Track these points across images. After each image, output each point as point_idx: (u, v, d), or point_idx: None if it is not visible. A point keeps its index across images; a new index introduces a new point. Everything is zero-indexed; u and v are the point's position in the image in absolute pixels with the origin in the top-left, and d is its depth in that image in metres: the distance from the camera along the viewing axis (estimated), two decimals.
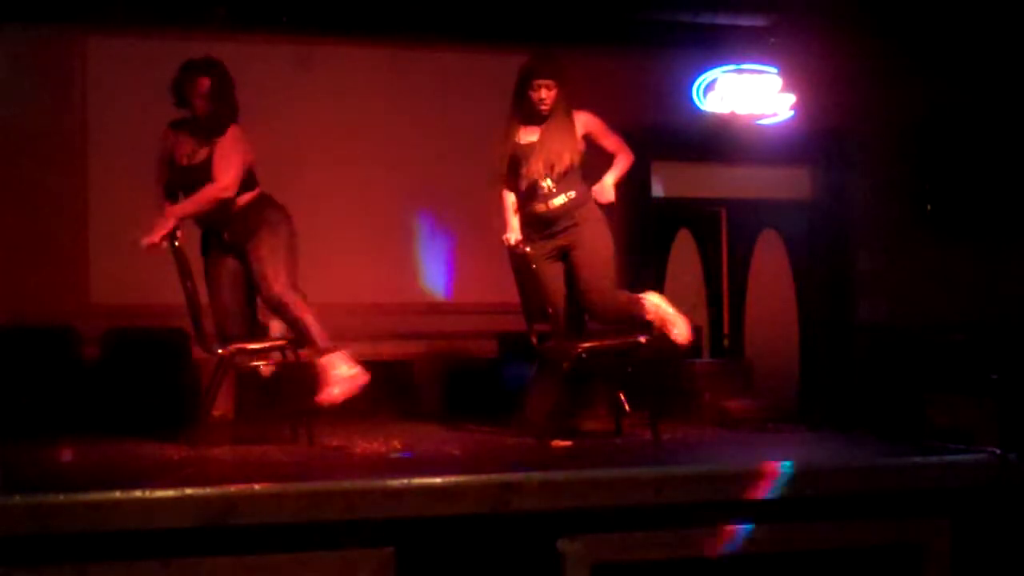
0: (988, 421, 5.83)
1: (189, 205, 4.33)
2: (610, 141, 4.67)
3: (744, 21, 6.95)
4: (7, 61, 6.24)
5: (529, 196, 4.57)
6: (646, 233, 7.22)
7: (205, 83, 4.37)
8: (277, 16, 6.36)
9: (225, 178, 4.31)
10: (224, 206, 4.35)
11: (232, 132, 4.38)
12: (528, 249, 4.53)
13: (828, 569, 3.58)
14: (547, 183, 4.50)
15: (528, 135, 4.60)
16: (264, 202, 4.46)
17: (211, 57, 4.47)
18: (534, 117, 4.58)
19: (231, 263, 4.43)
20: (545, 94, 4.54)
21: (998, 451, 3.78)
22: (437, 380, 6.46)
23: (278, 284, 4.29)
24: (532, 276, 4.53)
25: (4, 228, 6.12)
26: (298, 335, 4.35)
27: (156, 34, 6.31)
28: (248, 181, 4.43)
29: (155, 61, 6.33)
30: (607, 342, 4.49)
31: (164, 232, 4.25)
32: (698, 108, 7.04)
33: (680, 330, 4.51)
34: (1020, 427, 5.65)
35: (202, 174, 4.34)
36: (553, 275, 4.58)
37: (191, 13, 6.23)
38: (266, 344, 4.40)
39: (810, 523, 3.52)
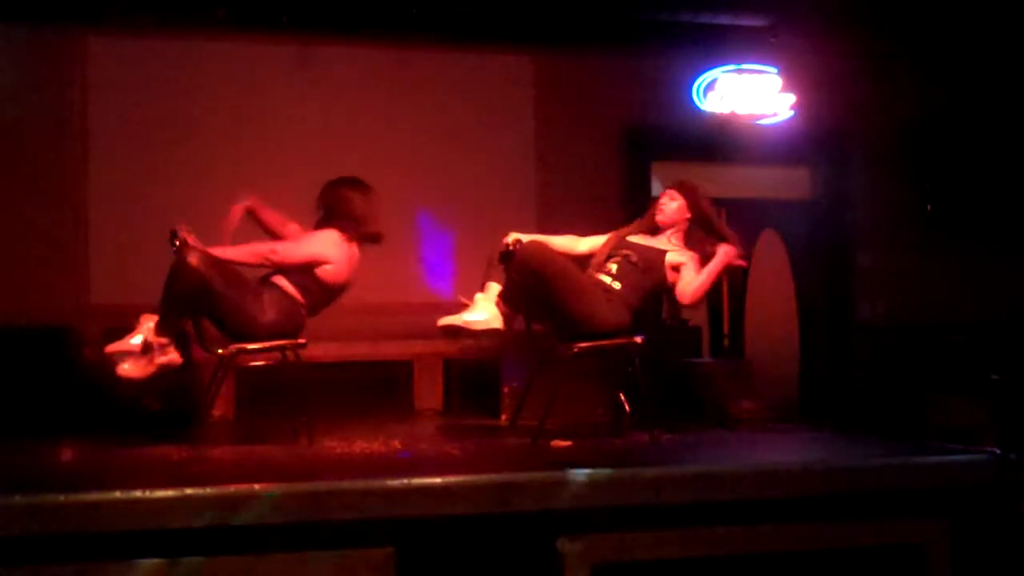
0: (988, 421, 5.83)
1: (237, 252, 4.33)
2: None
3: (744, 21, 6.95)
4: (7, 61, 6.25)
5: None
6: None
7: None
8: (277, 16, 6.36)
9: (281, 244, 4.42)
10: (266, 265, 4.39)
11: (328, 232, 4.48)
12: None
13: (828, 569, 3.58)
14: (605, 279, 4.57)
15: (633, 236, 4.70)
16: (286, 306, 4.39)
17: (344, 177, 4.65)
18: (649, 226, 4.73)
19: None
20: (665, 202, 4.71)
21: (998, 451, 3.79)
22: (437, 380, 6.45)
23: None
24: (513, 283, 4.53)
25: (4, 228, 6.13)
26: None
27: (156, 34, 6.32)
28: (296, 279, 4.40)
29: (155, 61, 6.39)
30: (603, 342, 4.49)
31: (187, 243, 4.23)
32: (698, 108, 7.04)
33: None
34: (1020, 427, 5.66)
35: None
36: None
37: (191, 13, 6.23)
38: (266, 344, 4.40)
39: (810, 523, 3.52)
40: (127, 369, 4.14)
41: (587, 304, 4.37)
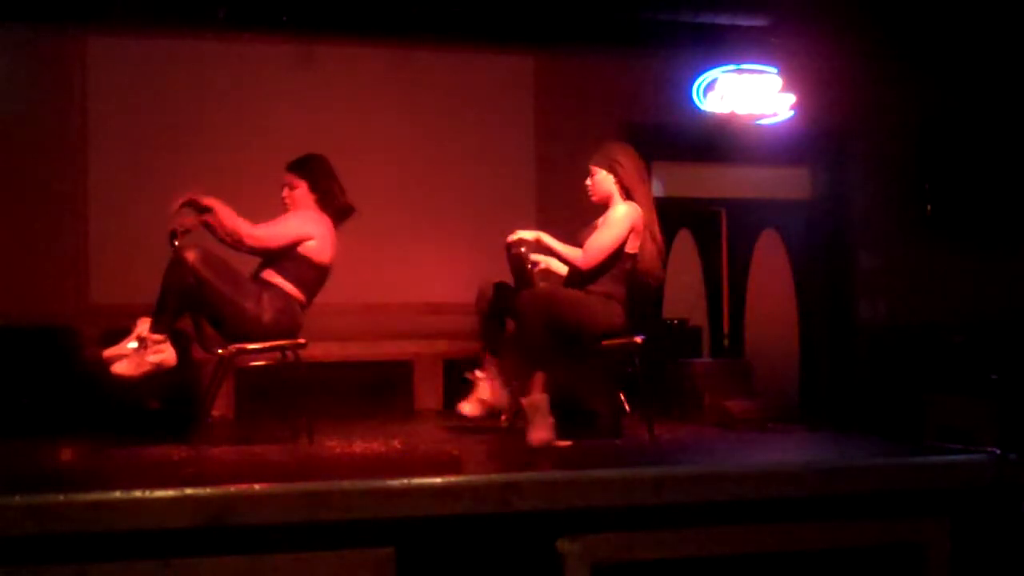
0: (988, 421, 5.83)
1: (224, 210, 4.28)
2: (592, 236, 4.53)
3: (744, 21, 6.95)
4: (7, 61, 6.25)
5: None
6: None
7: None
8: (277, 16, 6.36)
9: (259, 228, 4.36)
10: (236, 246, 4.34)
11: (302, 211, 4.53)
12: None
13: (828, 569, 3.58)
14: None
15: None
16: (283, 304, 4.39)
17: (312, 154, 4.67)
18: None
19: None
20: (588, 182, 4.62)
21: (998, 451, 3.79)
22: (437, 380, 6.46)
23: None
24: (527, 277, 4.54)
25: (4, 228, 6.13)
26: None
27: (156, 34, 6.32)
28: (290, 269, 4.42)
29: (155, 61, 6.39)
30: (603, 342, 4.49)
31: (181, 201, 4.22)
32: (698, 108, 7.04)
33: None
34: (1020, 427, 5.66)
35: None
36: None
37: (191, 13, 6.23)
38: (266, 344, 4.40)
39: (810, 523, 3.52)
40: (121, 367, 4.14)
41: (588, 318, 4.41)
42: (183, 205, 4.21)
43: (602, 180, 4.58)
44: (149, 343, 4.16)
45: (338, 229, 4.64)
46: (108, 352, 4.18)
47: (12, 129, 6.20)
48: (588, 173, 4.63)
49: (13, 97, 6.22)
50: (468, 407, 4.63)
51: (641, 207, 4.52)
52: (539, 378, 4.28)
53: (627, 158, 4.58)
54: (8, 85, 6.22)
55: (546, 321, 4.26)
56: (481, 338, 4.70)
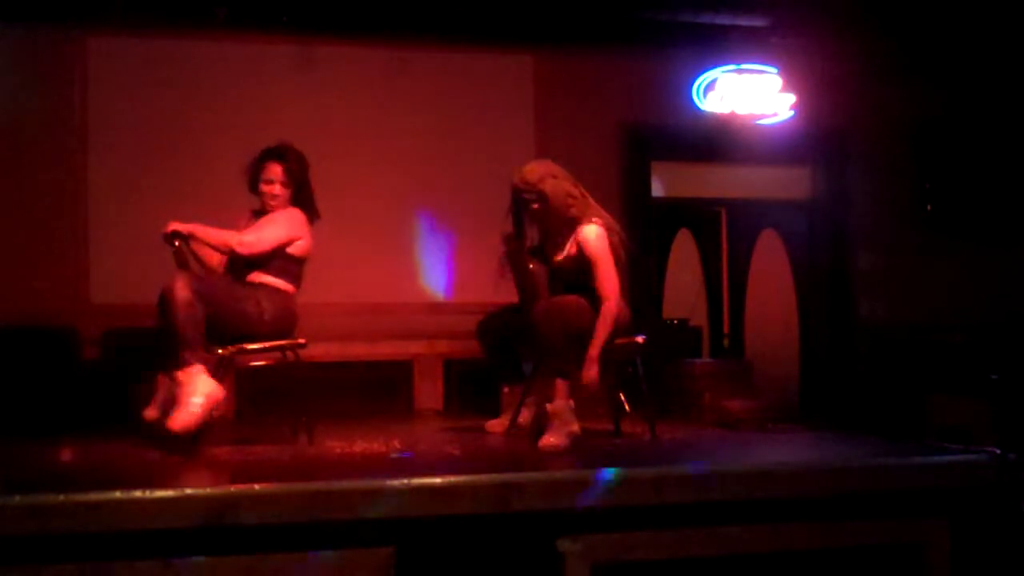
0: (988, 421, 5.83)
1: (204, 231, 4.30)
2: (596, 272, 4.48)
3: (744, 21, 6.94)
4: (7, 61, 6.25)
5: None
6: (646, 233, 7.22)
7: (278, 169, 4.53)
8: (277, 16, 6.36)
9: (248, 235, 4.37)
10: (229, 255, 4.36)
11: (289, 211, 4.49)
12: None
13: (829, 569, 3.58)
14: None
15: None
16: (280, 300, 4.39)
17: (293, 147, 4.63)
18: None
19: None
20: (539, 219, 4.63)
21: (998, 451, 3.79)
22: (437, 380, 6.46)
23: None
24: (528, 275, 4.55)
25: (4, 228, 6.12)
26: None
27: (156, 34, 6.32)
28: (277, 266, 4.40)
29: (155, 61, 6.39)
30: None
31: (168, 230, 4.23)
32: (698, 108, 7.04)
33: None
34: (1020, 427, 5.66)
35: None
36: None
37: (191, 13, 6.23)
38: (266, 344, 4.40)
39: (810, 523, 3.53)
40: (176, 422, 3.97)
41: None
42: (164, 240, 4.22)
43: (553, 205, 4.52)
44: (190, 381, 4.02)
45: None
46: (148, 413, 4.17)
47: (12, 129, 6.20)
48: (533, 215, 4.59)
49: (13, 97, 6.22)
50: (497, 425, 4.76)
51: (587, 206, 4.56)
52: (562, 385, 4.32)
53: (547, 178, 4.53)
54: (8, 85, 6.22)
55: (563, 329, 4.30)
56: (497, 370, 4.82)
